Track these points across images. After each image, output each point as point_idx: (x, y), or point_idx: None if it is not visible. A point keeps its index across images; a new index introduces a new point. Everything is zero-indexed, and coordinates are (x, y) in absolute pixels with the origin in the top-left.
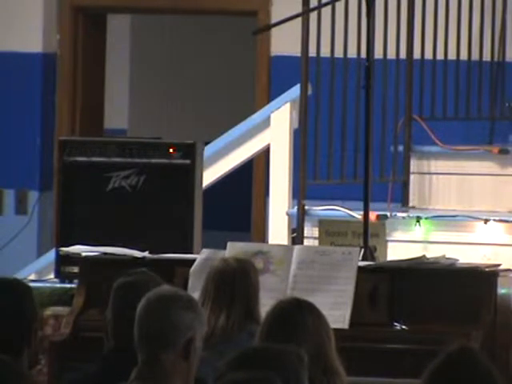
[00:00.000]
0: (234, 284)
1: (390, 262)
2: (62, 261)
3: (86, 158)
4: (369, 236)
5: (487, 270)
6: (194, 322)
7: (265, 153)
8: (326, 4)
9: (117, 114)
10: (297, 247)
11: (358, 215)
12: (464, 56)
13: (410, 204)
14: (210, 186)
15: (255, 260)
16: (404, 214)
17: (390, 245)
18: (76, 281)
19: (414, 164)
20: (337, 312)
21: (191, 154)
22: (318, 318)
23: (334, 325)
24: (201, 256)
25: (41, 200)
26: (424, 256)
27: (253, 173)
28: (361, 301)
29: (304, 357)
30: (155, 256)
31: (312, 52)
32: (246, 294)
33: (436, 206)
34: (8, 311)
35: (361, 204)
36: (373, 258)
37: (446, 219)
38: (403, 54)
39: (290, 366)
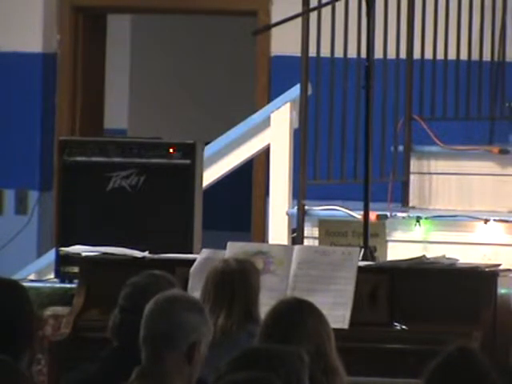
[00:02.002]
0: (234, 284)
1: (390, 261)
2: (62, 261)
3: (86, 157)
4: (369, 236)
5: (487, 269)
6: (200, 325)
7: (265, 153)
8: (326, 4)
9: (117, 114)
10: (297, 247)
11: (358, 215)
12: (464, 56)
13: (410, 204)
14: (209, 186)
15: (255, 260)
16: (404, 214)
17: (390, 245)
18: (76, 281)
19: (413, 164)
20: (337, 312)
21: (191, 154)
22: (318, 317)
23: (334, 325)
24: (201, 256)
25: (41, 200)
26: (424, 256)
27: (253, 173)
28: (361, 301)
29: (305, 357)
30: (155, 256)
31: (312, 52)
32: (246, 294)
33: (436, 205)
34: (8, 312)
35: (361, 204)
36: (373, 258)
37: (446, 219)
38: (403, 54)
39: (291, 366)
